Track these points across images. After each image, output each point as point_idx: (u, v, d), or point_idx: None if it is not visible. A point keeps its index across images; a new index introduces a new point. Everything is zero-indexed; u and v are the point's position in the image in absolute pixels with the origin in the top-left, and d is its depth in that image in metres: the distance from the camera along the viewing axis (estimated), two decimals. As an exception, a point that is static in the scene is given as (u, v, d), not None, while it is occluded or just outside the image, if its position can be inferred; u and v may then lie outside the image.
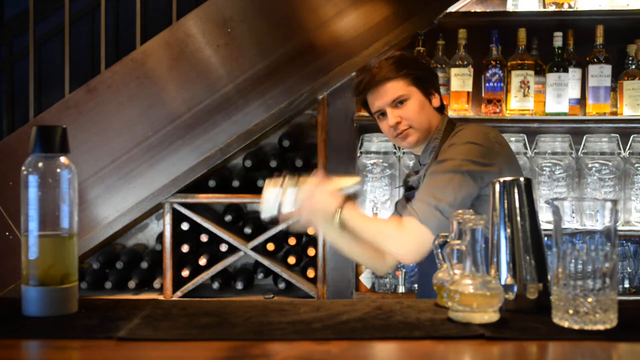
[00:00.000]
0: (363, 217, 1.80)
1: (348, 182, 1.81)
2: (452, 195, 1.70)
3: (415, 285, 2.90)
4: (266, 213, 1.78)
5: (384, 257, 1.93)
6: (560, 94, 2.80)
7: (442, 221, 1.69)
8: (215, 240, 2.89)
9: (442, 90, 2.83)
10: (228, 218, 2.91)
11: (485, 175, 1.73)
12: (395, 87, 1.87)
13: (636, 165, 2.83)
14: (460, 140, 1.79)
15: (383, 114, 1.91)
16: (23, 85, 3.29)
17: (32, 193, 1.15)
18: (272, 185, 1.79)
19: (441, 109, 1.95)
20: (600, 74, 2.81)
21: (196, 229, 2.87)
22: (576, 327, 1.07)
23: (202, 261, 2.81)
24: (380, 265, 1.97)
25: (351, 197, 1.79)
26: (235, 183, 2.80)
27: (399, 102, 1.87)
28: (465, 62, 2.82)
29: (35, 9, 2.98)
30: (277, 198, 1.77)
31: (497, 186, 1.26)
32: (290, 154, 2.88)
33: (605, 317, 1.07)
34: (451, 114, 2.83)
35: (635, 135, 2.87)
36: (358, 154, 2.86)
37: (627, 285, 2.85)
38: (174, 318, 1.16)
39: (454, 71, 2.82)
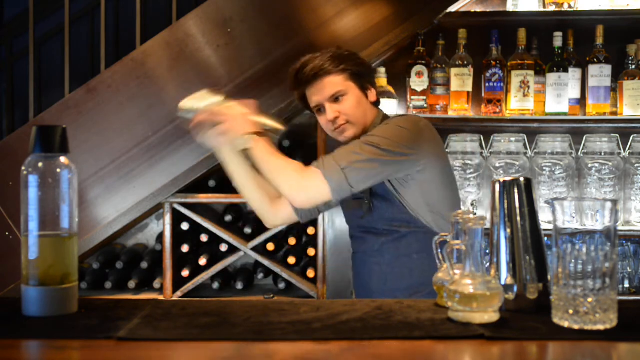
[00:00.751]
0: (270, 152, 1.78)
1: (272, 122, 1.83)
2: (363, 168, 1.76)
3: (415, 285, 2.91)
4: (185, 106, 1.80)
5: (277, 208, 1.96)
6: (560, 94, 2.81)
7: (343, 184, 1.75)
8: (215, 240, 2.89)
9: (442, 90, 2.84)
10: (228, 218, 2.91)
11: (406, 162, 1.80)
12: (334, 83, 1.89)
13: (636, 165, 2.83)
14: (392, 122, 1.87)
15: (321, 109, 1.94)
16: (23, 85, 3.29)
17: (32, 193, 1.15)
18: (208, 92, 1.81)
19: (377, 103, 2.00)
20: (600, 74, 2.81)
21: (196, 229, 2.87)
22: (576, 327, 1.07)
23: (202, 261, 2.81)
24: (270, 214, 1.99)
25: (269, 136, 1.80)
26: (235, 183, 2.80)
27: (337, 98, 1.90)
28: (465, 62, 2.82)
29: (35, 9, 2.98)
30: (202, 102, 1.78)
31: (497, 186, 1.26)
32: (290, 154, 2.88)
33: (605, 317, 1.07)
34: (451, 113, 2.83)
35: (635, 135, 2.87)
36: (358, 154, 2.86)
37: (627, 285, 2.85)
38: (174, 318, 1.16)
39: (454, 71, 2.82)
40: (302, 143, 2.98)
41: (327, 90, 1.89)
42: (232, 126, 1.75)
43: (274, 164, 1.78)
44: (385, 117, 2.00)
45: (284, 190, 1.80)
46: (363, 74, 1.94)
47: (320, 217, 2.74)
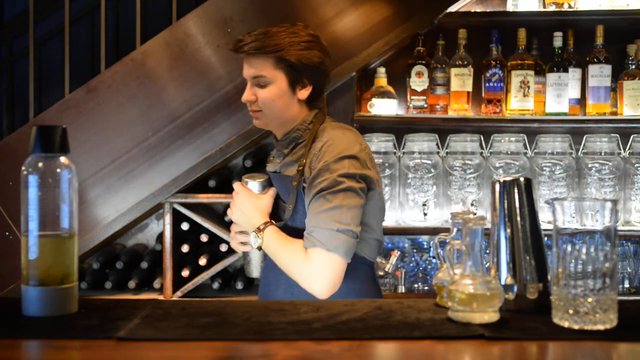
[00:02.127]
0: (278, 245, 1.68)
1: (254, 182, 1.80)
2: (349, 213, 1.64)
3: (416, 285, 2.91)
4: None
5: None
6: (560, 94, 2.81)
7: (350, 242, 1.62)
8: (215, 240, 2.89)
9: (442, 90, 2.84)
10: (228, 218, 2.90)
11: (366, 186, 1.70)
12: (262, 65, 1.75)
13: (636, 165, 2.83)
14: (335, 155, 1.68)
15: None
16: (23, 85, 3.30)
17: (32, 193, 1.15)
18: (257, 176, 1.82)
19: (310, 102, 1.82)
20: (600, 74, 2.81)
21: (196, 229, 2.87)
22: (576, 327, 1.07)
23: (202, 261, 2.81)
24: None
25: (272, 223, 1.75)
26: (236, 183, 2.81)
27: (260, 82, 1.76)
28: (465, 62, 2.82)
29: (35, 9, 2.98)
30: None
31: (497, 186, 1.26)
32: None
33: (605, 317, 1.07)
34: (451, 113, 2.83)
35: (635, 135, 2.87)
36: (358, 154, 2.86)
37: (627, 285, 2.85)
38: (174, 318, 1.16)
39: (454, 71, 2.82)
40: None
41: (253, 70, 1.76)
42: (244, 223, 1.75)
43: (282, 261, 1.69)
44: (320, 118, 1.83)
45: (304, 286, 1.64)
46: (303, 69, 1.75)
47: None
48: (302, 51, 1.75)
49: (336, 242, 1.61)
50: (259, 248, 1.72)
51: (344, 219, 1.63)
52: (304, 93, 1.79)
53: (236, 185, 1.80)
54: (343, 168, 1.66)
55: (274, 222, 1.73)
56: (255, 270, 1.85)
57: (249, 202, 1.75)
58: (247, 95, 1.79)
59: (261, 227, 1.70)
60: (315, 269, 1.61)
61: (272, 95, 1.76)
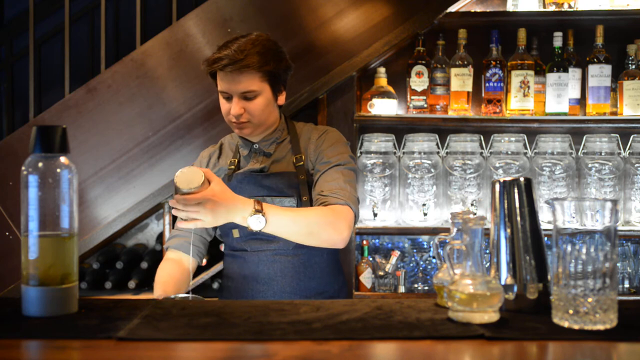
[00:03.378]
0: (292, 213, 1.71)
1: (192, 181, 1.59)
2: (355, 186, 1.88)
3: (416, 285, 2.90)
4: (180, 185, 1.56)
5: None
6: (560, 94, 2.81)
7: (357, 205, 1.84)
8: (215, 240, 2.88)
9: (442, 90, 2.84)
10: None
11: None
12: (250, 80, 1.82)
13: (636, 165, 2.83)
14: (337, 140, 1.93)
15: (229, 97, 1.86)
16: (23, 85, 3.30)
17: (32, 193, 1.15)
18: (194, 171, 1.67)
19: (281, 106, 2.00)
20: (600, 74, 2.81)
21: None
22: (576, 327, 1.07)
23: (202, 261, 2.81)
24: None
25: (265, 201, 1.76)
26: (235, 183, 2.80)
27: (248, 95, 1.84)
28: (465, 62, 2.82)
29: (35, 9, 2.98)
30: (192, 184, 1.56)
31: (497, 186, 1.26)
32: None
33: (605, 317, 1.07)
34: (451, 113, 2.83)
35: (635, 135, 2.87)
36: (358, 154, 2.86)
37: (627, 285, 2.85)
38: (174, 318, 1.16)
39: (454, 71, 2.82)
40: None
41: (241, 86, 1.82)
42: (224, 218, 1.60)
43: (305, 222, 1.70)
44: (287, 119, 2.01)
45: (328, 239, 1.73)
46: (281, 75, 1.90)
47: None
48: (281, 62, 1.88)
49: (354, 200, 1.82)
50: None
51: (355, 188, 1.87)
52: (282, 98, 1.95)
53: (185, 198, 1.58)
54: (348, 151, 1.93)
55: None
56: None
57: (221, 194, 1.58)
58: (237, 110, 1.85)
59: (256, 207, 1.62)
60: (343, 220, 1.75)
61: (261, 106, 1.87)
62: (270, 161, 1.94)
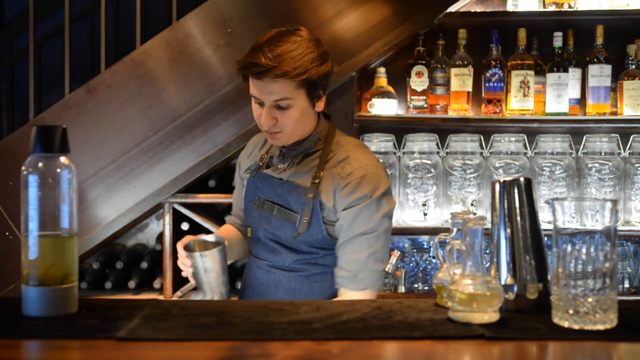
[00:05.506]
0: None
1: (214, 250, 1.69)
2: (387, 251, 1.76)
3: (416, 285, 2.90)
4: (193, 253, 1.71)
5: None
6: (560, 94, 2.81)
7: (381, 276, 1.76)
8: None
9: (442, 90, 2.84)
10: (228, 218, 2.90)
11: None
12: (283, 89, 1.66)
13: (636, 165, 2.83)
14: (374, 190, 1.71)
15: (261, 103, 1.72)
16: (23, 85, 3.30)
17: (32, 193, 1.15)
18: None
19: (321, 112, 1.82)
20: (600, 74, 2.81)
21: (196, 229, 2.86)
22: (576, 327, 1.07)
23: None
24: None
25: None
26: (235, 183, 2.81)
27: (280, 104, 1.69)
28: (465, 62, 2.82)
29: (35, 9, 2.98)
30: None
31: (497, 186, 1.26)
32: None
33: (605, 317, 1.07)
34: (451, 113, 2.83)
35: (635, 135, 2.87)
36: (358, 154, 2.86)
37: (627, 285, 2.85)
38: (174, 318, 1.16)
39: (454, 71, 2.82)
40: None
41: (274, 94, 1.67)
42: None
43: None
44: (332, 129, 1.84)
45: None
46: (319, 83, 1.72)
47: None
48: (320, 67, 1.70)
49: (380, 282, 1.74)
50: None
51: (385, 257, 1.75)
52: (320, 105, 1.77)
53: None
54: (383, 208, 1.72)
55: None
56: (209, 295, 1.71)
57: None
58: (267, 120, 1.70)
59: None
60: None
61: (296, 115, 1.71)
62: (293, 171, 1.79)
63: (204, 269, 1.68)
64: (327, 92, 1.79)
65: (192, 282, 1.72)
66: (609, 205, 1.07)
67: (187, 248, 1.73)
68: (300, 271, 1.78)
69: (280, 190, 1.79)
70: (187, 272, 1.74)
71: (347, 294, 1.71)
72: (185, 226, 2.82)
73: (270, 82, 1.65)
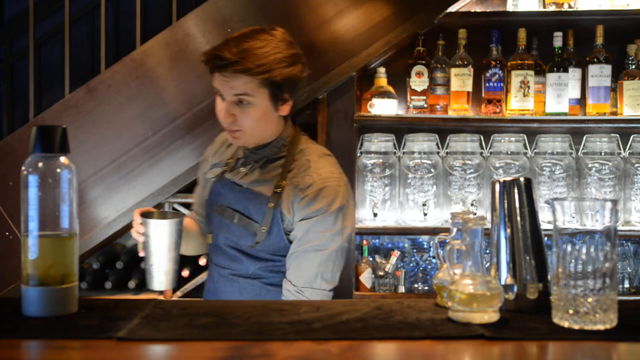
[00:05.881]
0: None
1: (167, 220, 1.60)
2: (338, 272, 1.71)
3: (416, 285, 2.90)
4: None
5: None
6: (560, 94, 2.80)
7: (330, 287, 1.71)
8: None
9: (442, 90, 2.84)
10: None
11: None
12: (244, 85, 1.64)
13: (636, 165, 2.83)
14: (330, 203, 1.67)
15: (223, 97, 1.69)
16: (23, 85, 3.30)
17: (32, 193, 1.15)
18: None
19: (286, 117, 1.78)
20: (600, 74, 2.81)
21: (196, 229, 2.86)
22: (576, 327, 1.07)
23: (202, 261, 2.81)
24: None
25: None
26: (235, 183, 2.80)
27: (241, 100, 1.66)
28: (465, 62, 2.82)
29: (35, 9, 2.98)
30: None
31: (497, 186, 1.26)
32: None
33: (605, 317, 1.07)
34: (451, 113, 2.83)
35: (635, 135, 2.87)
36: (358, 154, 2.86)
37: (627, 285, 2.85)
38: (174, 318, 1.16)
39: (454, 71, 2.82)
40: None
41: (234, 89, 1.64)
42: None
43: None
44: (297, 135, 1.78)
45: None
46: (285, 85, 1.68)
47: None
48: (286, 69, 1.66)
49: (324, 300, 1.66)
50: None
51: (333, 278, 1.70)
52: (285, 109, 1.73)
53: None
54: (338, 224, 1.67)
55: None
56: (157, 282, 1.62)
57: None
58: (226, 115, 1.68)
59: None
60: None
61: (255, 116, 1.67)
62: (255, 178, 1.76)
63: (155, 240, 1.59)
64: (294, 97, 1.74)
65: (142, 253, 1.64)
66: (609, 205, 1.07)
67: (145, 216, 1.64)
68: (264, 278, 1.75)
69: (242, 198, 1.75)
70: (139, 240, 1.66)
71: None
72: (185, 226, 2.82)
73: (232, 76, 1.63)
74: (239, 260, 1.76)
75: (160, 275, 1.61)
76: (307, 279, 1.68)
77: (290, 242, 1.72)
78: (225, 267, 1.79)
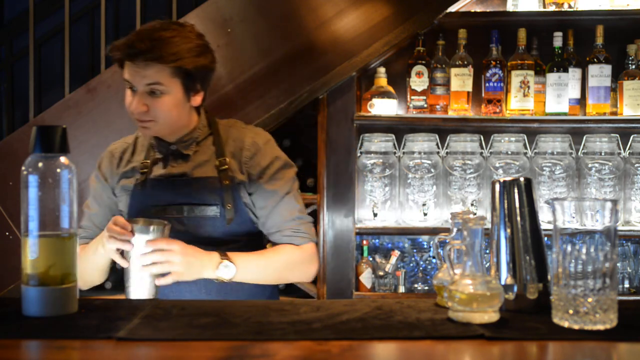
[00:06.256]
0: (257, 260, 1.70)
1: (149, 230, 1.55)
2: (301, 199, 1.86)
3: (416, 285, 2.90)
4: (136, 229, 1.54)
5: None
6: (560, 94, 2.80)
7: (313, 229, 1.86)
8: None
9: (442, 90, 2.83)
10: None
11: None
12: (157, 74, 1.64)
13: (636, 165, 2.83)
14: (276, 155, 1.82)
15: (132, 87, 1.68)
16: (23, 85, 3.30)
17: (32, 193, 1.15)
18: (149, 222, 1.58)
19: (199, 108, 1.81)
20: (600, 74, 2.81)
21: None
22: (576, 327, 1.07)
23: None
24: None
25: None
26: (235, 183, 2.80)
27: (153, 91, 1.65)
28: (465, 62, 2.82)
29: (35, 9, 2.98)
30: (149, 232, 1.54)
31: (497, 186, 1.26)
32: (290, 154, 2.87)
33: (605, 317, 1.07)
34: (451, 113, 2.83)
35: (635, 135, 2.87)
36: (358, 154, 2.86)
37: (627, 285, 2.85)
38: (174, 318, 1.16)
39: (454, 71, 2.82)
40: (302, 143, 2.98)
41: (147, 79, 1.63)
42: (194, 272, 1.59)
43: (274, 266, 1.73)
44: (213, 119, 1.83)
45: (300, 279, 1.84)
46: (197, 75, 1.69)
47: (320, 218, 2.74)
48: (198, 57, 1.68)
49: (313, 232, 1.83)
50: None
51: (306, 214, 1.85)
52: (197, 99, 1.75)
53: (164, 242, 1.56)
54: (291, 168, 1.84)
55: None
56: (139, 290, 1.54)
57: (191, 249, 1.59)
58: (138, 106, 1.66)
59: (222, 257, 1.62)
60: (314, 258, 1.81)
61: (168, 106, 1.67)
62: (192, 165, 1.76)
63: (140, 250, 1.52)
64: (205, 87, 1.76)
65: (125, 264, 1.54)
66: (609, 205, 1.07)
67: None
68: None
69: (187, 188, 1.74)
70: (125, 249, 1.54)
71: (295, 251, 1.76)
72: (185, 226, 2.82)
73: (144, 66, 1.63)
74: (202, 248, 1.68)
75: (147, 283, 1.55)
76: (297, 218, 1.80)
77: (252, 217, 1.78)
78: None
